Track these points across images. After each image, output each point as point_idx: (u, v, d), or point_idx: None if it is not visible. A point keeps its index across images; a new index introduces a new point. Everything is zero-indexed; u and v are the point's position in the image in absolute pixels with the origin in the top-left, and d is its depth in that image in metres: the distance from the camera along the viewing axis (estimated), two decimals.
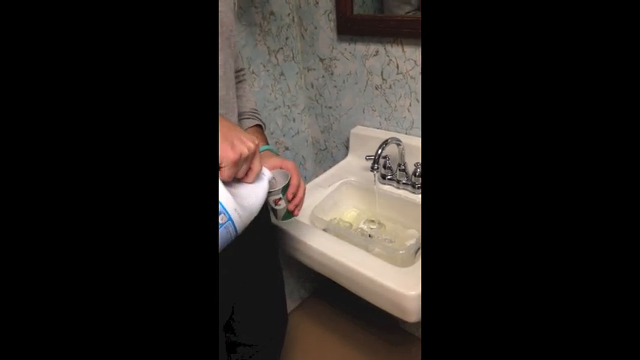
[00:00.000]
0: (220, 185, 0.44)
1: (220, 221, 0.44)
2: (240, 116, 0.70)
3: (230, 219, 0.45)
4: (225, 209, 0.44)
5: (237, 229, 0.47)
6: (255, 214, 0.49)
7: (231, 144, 0.43)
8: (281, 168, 0.64)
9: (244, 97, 0.73)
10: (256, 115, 0.72)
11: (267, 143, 0.71)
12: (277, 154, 0.70)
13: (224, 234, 0.45)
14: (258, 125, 0.71)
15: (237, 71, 0.71)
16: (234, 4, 0.60)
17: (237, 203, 0.45)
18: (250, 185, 0.49)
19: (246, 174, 0.48)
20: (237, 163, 0.44)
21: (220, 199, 0.44)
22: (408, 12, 0.84)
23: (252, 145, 0.45)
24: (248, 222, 0.49)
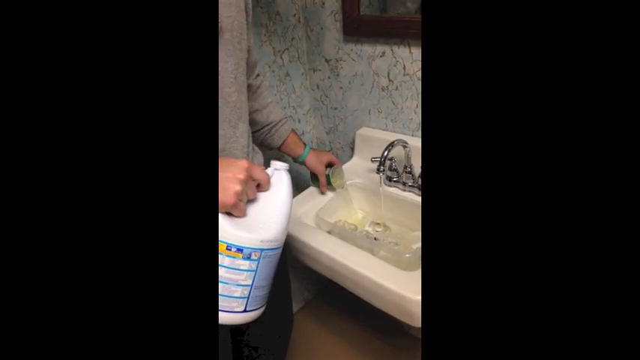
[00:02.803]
0: (239, 232, 0.44)
1: (254, 257, 0.45)
2: (279, 124, 0.78)
3: (262, 250, 0.46)
4: (252, 248, 0.45)
5: (278, 245, 0.48)
6: (288, 212, 0.49)
7: (221, 190, 0.42)
8: (331, 163, 0.85)
9: (272, 102, 0.79)
10: (286, 117, 0.80)
11: (304, 143, 0.83)
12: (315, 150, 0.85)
13: (267, 262, 0.47)
14: (293, 130, 0.81)
15: (257, 75, 0.74)
16: (246, 5, 0.59)
17: (262, 229, 0.46)
18: (270, 191, 0.49)
19: (258, 186, 0.48)
20: (237, 203, 0.43)
21: (244, 243, 0.44)
22: (400, 13, 0.84)
23: (239, 173, 0.44)
24: (287, 223, 0.49)
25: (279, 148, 0.81)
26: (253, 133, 0.78)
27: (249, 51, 0.66)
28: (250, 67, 0.71)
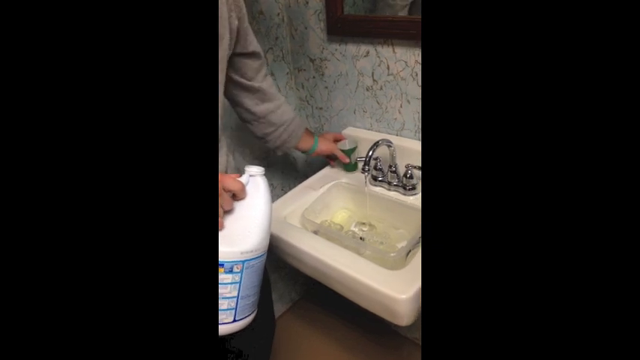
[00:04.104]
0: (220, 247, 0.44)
1: (237, 270, 0.45)
2: (292, 122, 0.80)
3: (243, 261, 0.45)
4: (233, 261, 0.44)
5: (260, 253, 0.47)
6: (267, 218, 0.49)
7: None
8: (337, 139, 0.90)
9: (284, 101, 0.79)
10: (296, 115, 0.82)
11: (313, 133, 0.87)
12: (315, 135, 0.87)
13: (251, 271, 0.46)
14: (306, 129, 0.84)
15: (265, 76, 0.75)
16: (239, 12, 0.59)
17: (241, 240, 0.45)
18: (247, 199, 0.48)
19: (234, 196, 0.47)
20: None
21: (224, 258, 0.44)
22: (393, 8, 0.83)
23: None
24: (267, 230, 0.48)
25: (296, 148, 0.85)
26: (268, 135, 0.79)
27: (254, 54, 0.69)
28: (256, 69, 0.71)
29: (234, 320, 0.46)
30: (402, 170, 0.85)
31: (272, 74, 1.00)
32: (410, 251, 0.72)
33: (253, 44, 0.67)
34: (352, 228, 0.88)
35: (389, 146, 0.83)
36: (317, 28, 0.93)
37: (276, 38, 0.98)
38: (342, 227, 0.87)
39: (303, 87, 1.05)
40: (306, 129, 0.85)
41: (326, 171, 0.97)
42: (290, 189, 0.92)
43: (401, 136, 0.90)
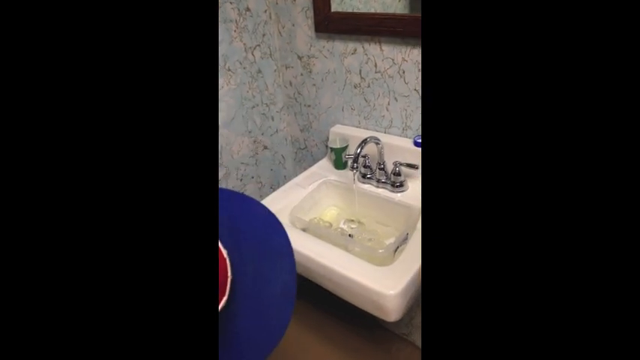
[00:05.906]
0: None
1: None
2: None
3: None
4: None
5: None
6: None
7: None
8: None
9: None
10: None
11: None
12: None
13: None
14: None
15: None
16: None
17: None
18: None
19: None
20: None
21: None
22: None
23: None
24: None
25: None
26: None
27: None
28: None
29: None
30: (390, 167, 0.86)
31: (260, 71, 0.99)
32: (398, 247, 0.73)
33: None
34: (341, 225, 0.89)
35: (377, 143, 0.83)
36: (304, 25, 0.93)
37: (264, 35, 0.97)
38: (330, 224, 0.88)
39: (290, 84, 1.05)
40: None
41: (315, 169, 0.97)
42: (279, 186, 0.92)
43: (389, 133, 0.91)
